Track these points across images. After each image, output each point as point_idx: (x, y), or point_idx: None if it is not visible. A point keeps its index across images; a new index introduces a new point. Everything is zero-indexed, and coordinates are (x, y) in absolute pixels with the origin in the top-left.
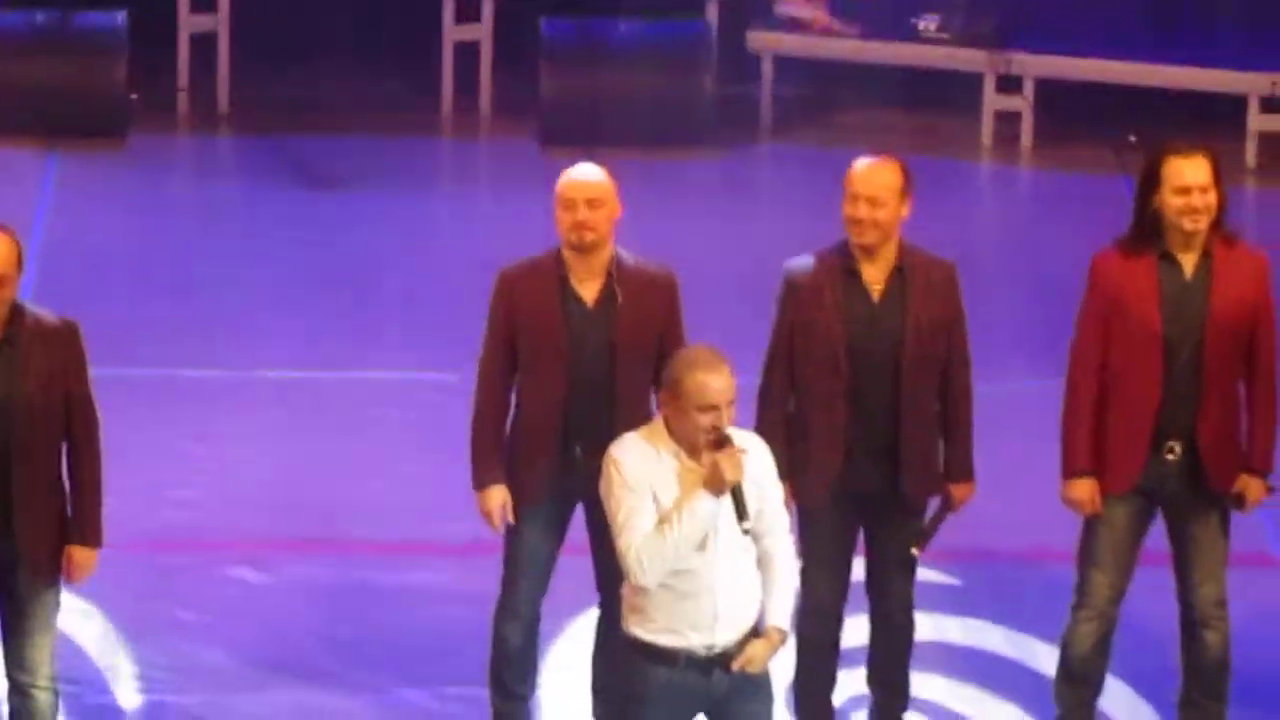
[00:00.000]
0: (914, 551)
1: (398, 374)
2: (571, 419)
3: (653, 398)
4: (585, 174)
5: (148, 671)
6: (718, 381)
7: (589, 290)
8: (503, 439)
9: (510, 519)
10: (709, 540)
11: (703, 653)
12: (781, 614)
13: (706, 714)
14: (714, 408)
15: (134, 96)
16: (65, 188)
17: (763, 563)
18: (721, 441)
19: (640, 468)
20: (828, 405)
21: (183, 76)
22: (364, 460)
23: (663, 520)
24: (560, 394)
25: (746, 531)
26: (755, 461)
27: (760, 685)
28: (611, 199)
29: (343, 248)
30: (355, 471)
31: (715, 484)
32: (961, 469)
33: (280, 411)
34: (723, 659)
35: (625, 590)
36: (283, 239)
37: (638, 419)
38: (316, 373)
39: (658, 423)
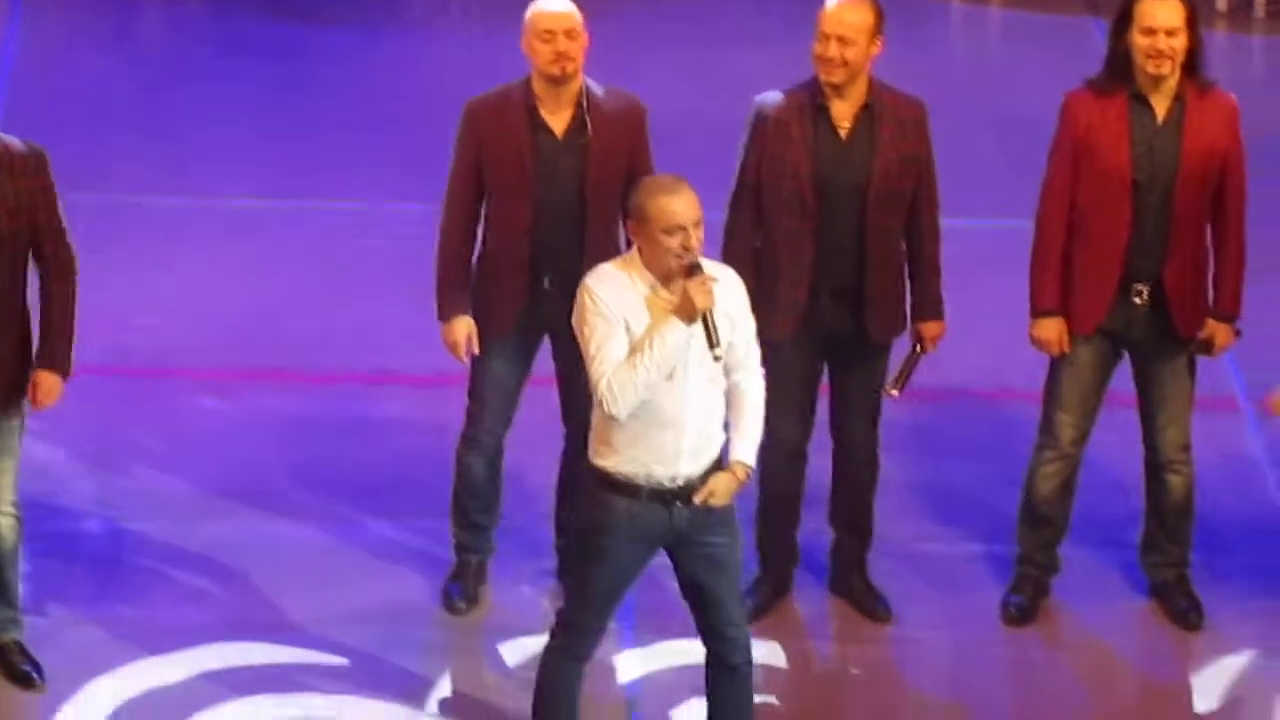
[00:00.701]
0: (893, 393)
1: (366, 205)
2: (539, 250)
3: (621, 230)
4: (560, 4)
5: (111, 497)
6: (679, 203)
7: (558, 121)
8: (469, 271)
9: (475, 350)
10: (677, 372)
11: (666, 484)
12: (748, 449)
13: (668, 548)
14: (679, 228)
15: None
16: (35, 12)
17: (731, 397)
18: (692, 269)
19: (614, 297)
20: (794, 242)
21: None
22: (330, 291)
23: (634, 349)
24: (527, 225)
25: (718, 358)
26: (727, 293)
27: (723, 520)
28: (583, 29)
29: (314, 78)
30: (321, 302)
31: (686, 311)
32: (931, 307)
33: (248, 241)
34: (685, 492)
35: (594, 421)
36: (254, 69)
37: (606, 250)
38: (285, 202)
39: (633, 254)
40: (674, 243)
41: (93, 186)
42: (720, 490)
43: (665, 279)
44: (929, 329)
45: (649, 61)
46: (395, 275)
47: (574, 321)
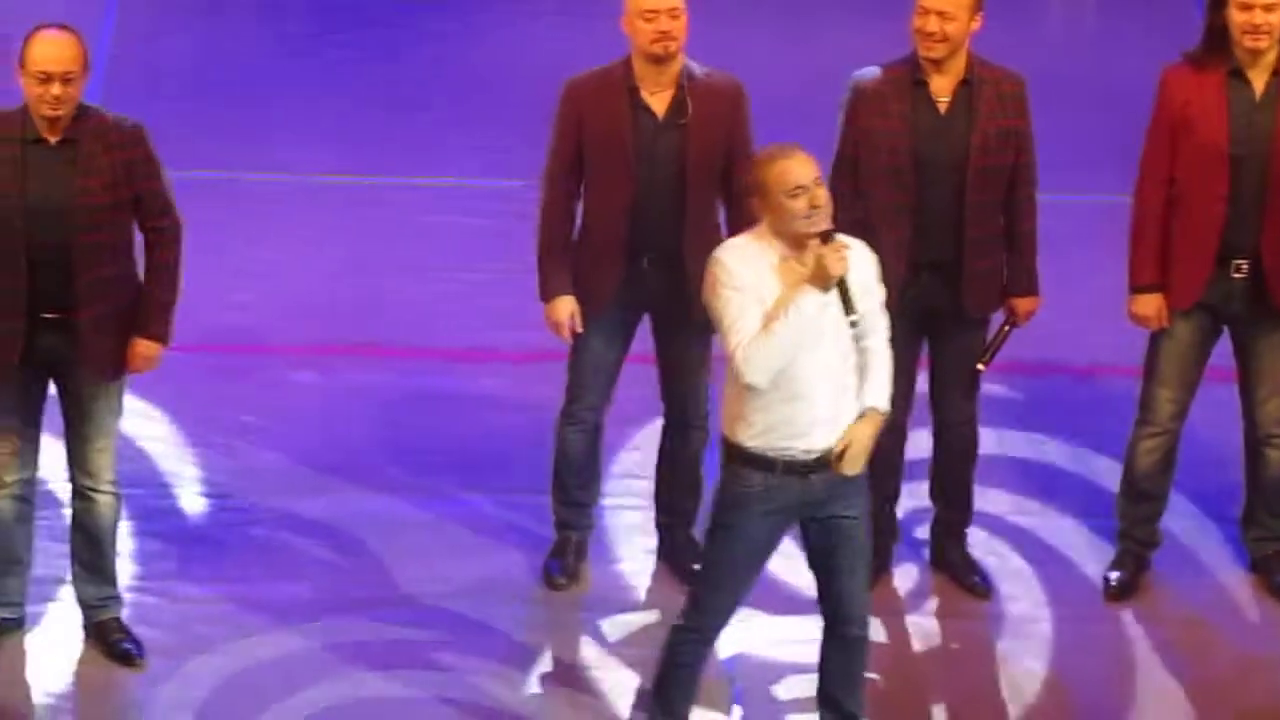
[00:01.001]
0: (980, 367)
1: (462, 180)
2: (638, 229)
3: (720, 210)
4: None
5: (209, 474)
6: (796, 164)
7: (659, 102)
8: (569, 249)
9: (579, 329)
10: (811, 341)
11: (801, 456)
12: (880, 395)
13: (802, 522)
14: (801, 188)
15: None
16: None
17: (862, 364)
18: (826, 236)
19: (745, 268)
20: (892, 217)
21: None
22: (426, 267)
23: (770, 319)
24: (627, 204)
25: (854, 324)
26: (858, 262)
27: (856, 490)
28: (685, 7)
29: (409, 54)
30: (417, 278)
31: (821, 278)
32: (1026, 283)
33: (342, 216)
34: (821, 463)
35: (727, 395)
36: (348, 44)
37: (706, 230)
38: (380, 178)
39: (762, 227)
40: (799, 204)
41: (186, 163)
42: (859, 438)
43: (796, 246)
44: (1022, 304)
45: (746, 39)
46: (489, 252)
47: (704, 295)
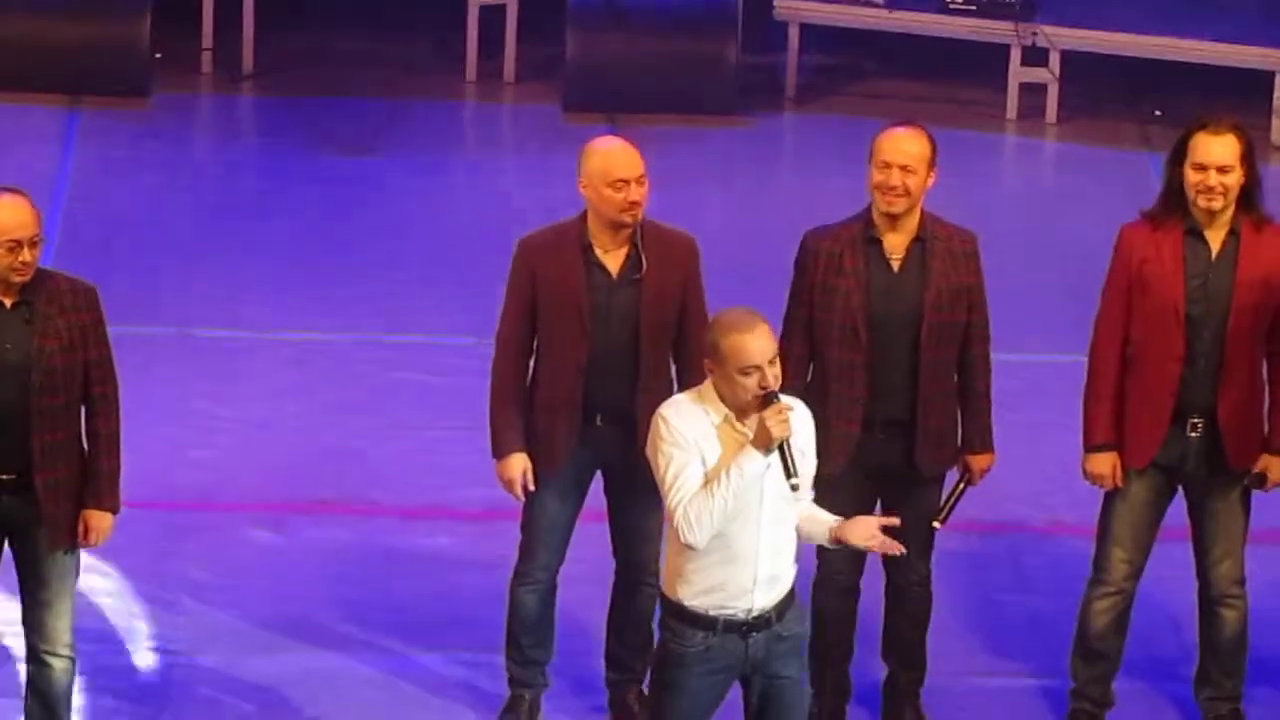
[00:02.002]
0: (935, 525)
1: (418, 338)
2: (593, 388)
3: (672, 366)
4: (630, 151)
5: (162, 631)
6: (754, 342)
7: (613, 260)
8: (523, 407)
9: (531, 487)
10: (751, 504)
11: (741, 615)
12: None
13: (742, 680)
14: (755, 368)
15: (158, 55)
16: (88, 146)
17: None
18: (768, 399)
19: (689, 426)
20: (847, 377)
21: (207, 36)
22: (382, 425)
23: (710, 479)
24: (581, 363)
25: (795, 487)
26: (799, 425)
27: (794, 651)
28: (645, 176)
29: (365, 211)
30: (373, 436)
31: (763, 441)
32: (981, 440)
33: (298, 374)
34: (760, 622)
35: (668, 553)
36: (305, 200)
37: (659, 387)
38: (336, 335)
39: (707, 385)
40: (750, 383)
41: (144, 318)
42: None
43: (740, 412)
44: (977, 461)
45: (692, 196)
46: (446, 409)
47: (648, 450)
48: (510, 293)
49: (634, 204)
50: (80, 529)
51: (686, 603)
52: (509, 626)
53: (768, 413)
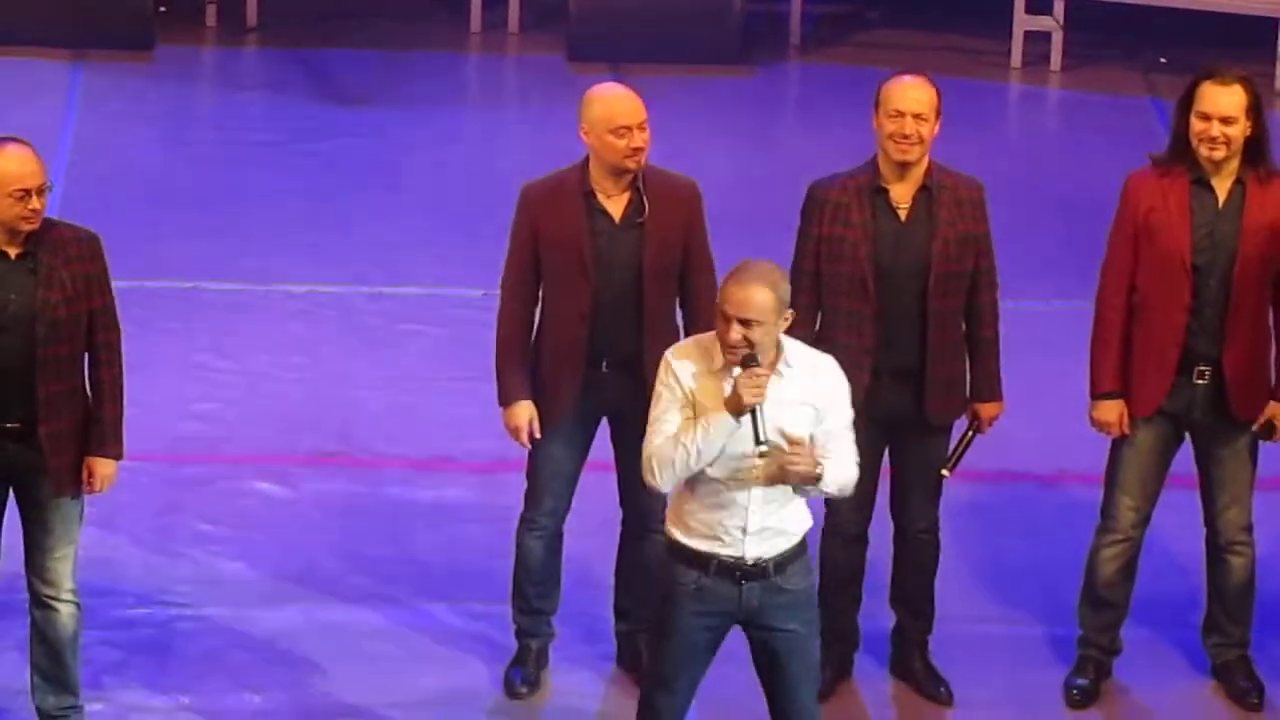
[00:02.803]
0: (944, 473)
1: (423, 289)
2: (597, 334)
3: (678, 311)
4: (632, 98)
5: (168, 584)
6: (740, 293)
7: (615, 205)
8: (528, 355)
9: (537, 434)
10: (736, 455)
11: (731, 563)
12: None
13: (743, 627)
14: (736, 320)
15: (162, 9)
16: (92, 99)
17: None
18: (746, 361)
19: (686, 371)
20: (855, 326)
21: None
22: (387, 376)
23: (681, 429)
24: (585, 310)
25: (762, 455)
26: (813, 384)
27: (796, 604)
28: (647, 123)
29: (368, 163)
30: (378, 387)
31: (733, 404)
32: (989, 388)
33: (303, 326)
34: (755, 570)
35: (671, 492)
36: (308, 153)
37: (664, 333)
38: (341, 287)
39: (714, 333)
40: (730, 334)
41: (148, 272)
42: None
43: (725, 367)
44: (986, 409)
45: (697, 146)
46: (451, 360)
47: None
48: (513, 240)
49: (637, 150)
50: (85, 475)
51: (681, 540)
52: (515, 575)
53: (741, 377)
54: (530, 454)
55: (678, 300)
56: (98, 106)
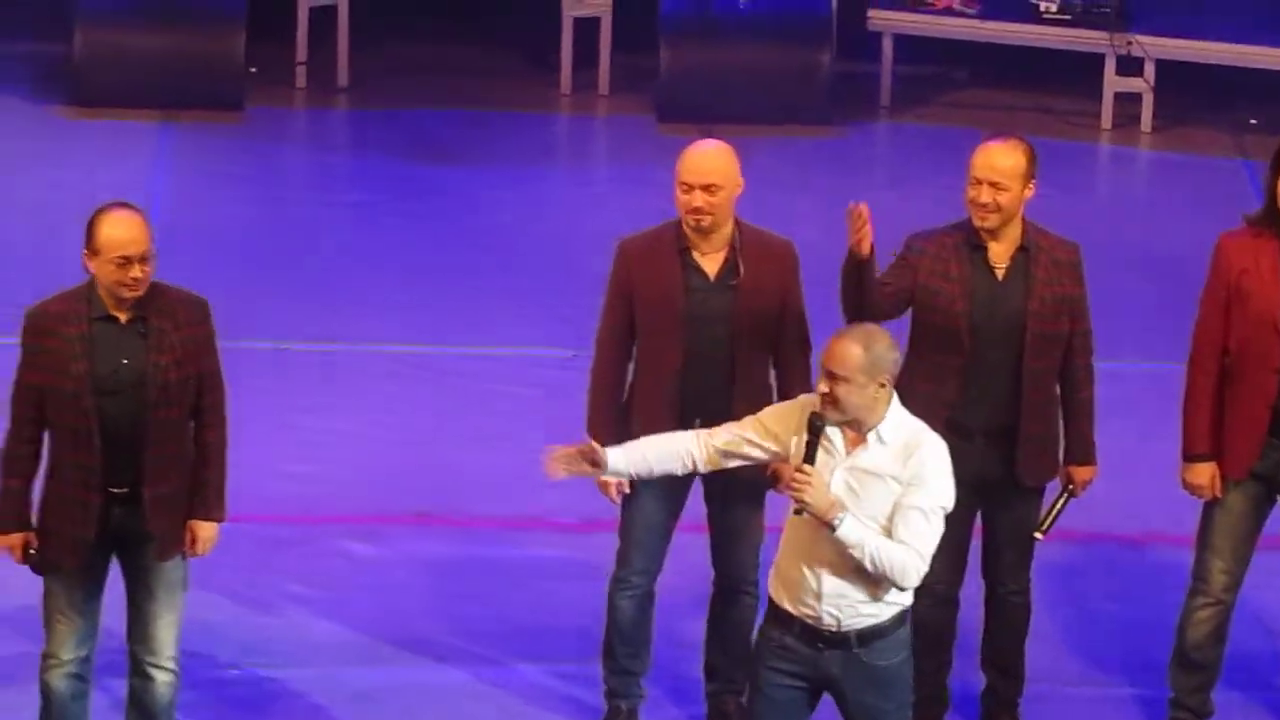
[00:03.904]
0: (1037, 536)
1: (513, 349)
2: (688, 391)
3: (771, 370)
4: (702, 158)
5: (261, 644)
6: (834, 345)
7: (710, 263)
8: (619, 410)
9: (625, 489)
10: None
11: (812, 623)
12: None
13: (830, 692)
14: (825, 371)
15: (252, 70)
16: (182, 160)
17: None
18: (813, 422)
19: (775, 418)
20: (938, 377)
21: (301, 49)
22: (479, 435)
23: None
24: (677, 366)
25: (797, 513)
26: (905, 460)
27: (879, 681)
28: (730, 180)
29: (459, 222)
30: (470, 446)
31: (774, 479)
32: (1083, 451)
33: (395, 385)
34: (833, 639)
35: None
36: (399, 213)
37: (754, 391)
38: (431, 347)
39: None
40: (821, 386)
41: (239, 332)
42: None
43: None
44: (1080, 473)
45: (786, 205)
46: (541, 420)
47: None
48: (609, 294)
49: (696, 210)
50: (187, 539)
51: (773, 597)
52: (606, 635)
53: (796, 474)
54: (622, 511)
55: (771, 360)
56: (187, 167)
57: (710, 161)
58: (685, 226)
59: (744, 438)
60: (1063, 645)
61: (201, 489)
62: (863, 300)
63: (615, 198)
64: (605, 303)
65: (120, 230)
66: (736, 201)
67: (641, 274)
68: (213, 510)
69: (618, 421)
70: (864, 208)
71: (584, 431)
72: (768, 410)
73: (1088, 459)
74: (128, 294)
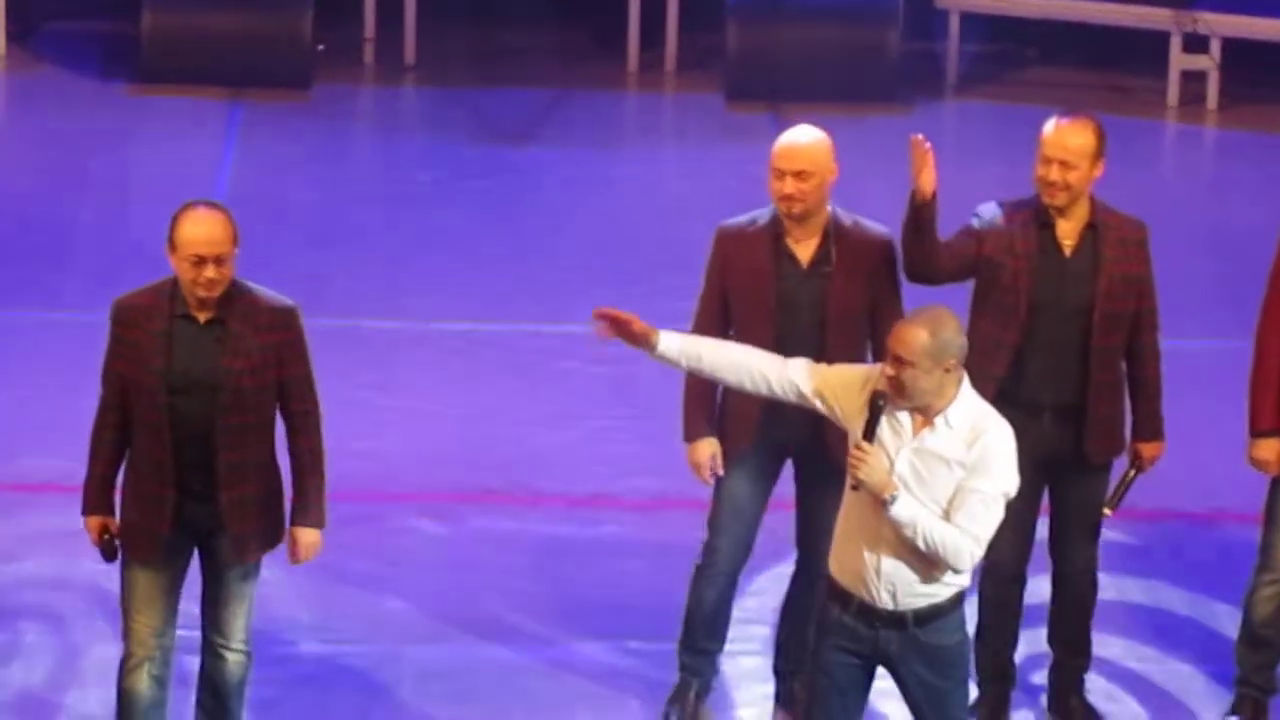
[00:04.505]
0: (1106, 512)
1: (581, 327)
2: None
3: (865, 360)
4: (795, 145)
5: (328, 621)
6: (900, 329)
7: (804, 250)
8: (714, 392)
9: (719, 472)
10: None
11: (868, 601)
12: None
13: (887, 669)
14: (891, 354)
15: (320, 47)
16: (249, 138)
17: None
18: (874, 401)
19: (842, 389)
20: (991, 353)
21: (369, 27)
22: (547, 412)
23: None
24: (768, 349)
25: (854, 488)
26: (970, 445)
27: (938, 660)
28: (822, 166)
29: (527, 200)
30: (538, 424)
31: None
32: (1151, 428)
33: (463, 363)
34: (890, 619)
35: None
36: (466, 191)
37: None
38: (500, 325)
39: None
40: (887, 369)
41: (307, 310)
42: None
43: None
44: (1148, 449)
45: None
46: (611, 398)
47: None
48: (706, 280)
49: (787, 196)
50: (289, 546)
51: (833, 574)
52: (686, 617)
53: (854, 451)
54: (713, 496)
55: (865, 351)
56: (256, 145)
57: (802, 148)
58: (780, 212)
59: (814, 391)
60: (1129, 622)
61: (300, 496)
62: (923, 250)
63: (683, 176)
64: (702, 289)
65: (197, 229)
66: (831, 188)
67: (735, 260)
68: (312, 515)
69: (711, 404)
70: (927, 143)
71: (655, 413)
72: (839, 378)
73: (1155, 435)
74: (201, 293)
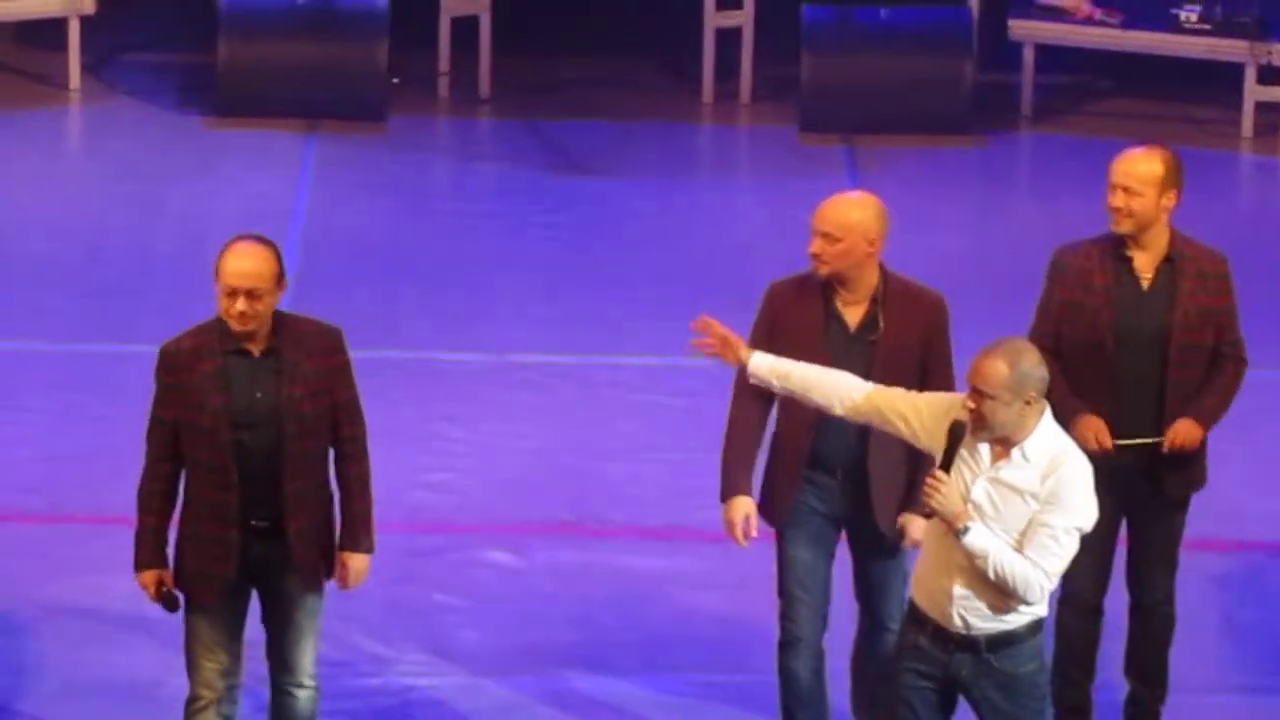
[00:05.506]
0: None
1: (655, 360)
2: (823, 441)
3: None
4: (829, 206)
5: (402, 654)
6: (979, 361)
7: (854, 313)
8: (753, 450)
9: (753, 532)
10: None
11: (943, 624)
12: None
13: (962, 694)
14: (971, 387)
15: (395, 80)
16: (325, 170)
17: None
18: (953, 430)
19: (929, 416)
20: (1089, 391)
21: (444, 60)
22: (621, 445)
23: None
24: (812, 420)
25: (927, 516)
26: (1046, 479)
27: (1010, 688)
28: (852, 232)
29: (602, 232)
30: (611, 457)
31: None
32: (1199, 415)
33: (536, 395)
34: (963, 642)
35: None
36: (541, 223)
37: (889, 445)
38: (573, 357)
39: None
40: (969, 400)
41: (382, 342)
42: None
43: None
44: (1184, 425)
45: (930, 216)
46: (683, 431)
47: None
48: (753, 334)
49: (813, 254)
50: (338, 571)
51: (913, 595)
52: (782, 701)
53: (930, 479)
54: (777, 569)
55: None
56: (331, 177)
57: (834, 211)
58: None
59: (899, 413)
60: (1207, 654)
61: (349, 521)
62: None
63: (757, 208)
64: (748, 341)
65: (235, 262)
66: (878, 253)
67: (785, 317)
68: (361, 542)
69: (750, 462)
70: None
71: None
72: (927, 403)
73: (1199, 421)
74: (235, 326)
